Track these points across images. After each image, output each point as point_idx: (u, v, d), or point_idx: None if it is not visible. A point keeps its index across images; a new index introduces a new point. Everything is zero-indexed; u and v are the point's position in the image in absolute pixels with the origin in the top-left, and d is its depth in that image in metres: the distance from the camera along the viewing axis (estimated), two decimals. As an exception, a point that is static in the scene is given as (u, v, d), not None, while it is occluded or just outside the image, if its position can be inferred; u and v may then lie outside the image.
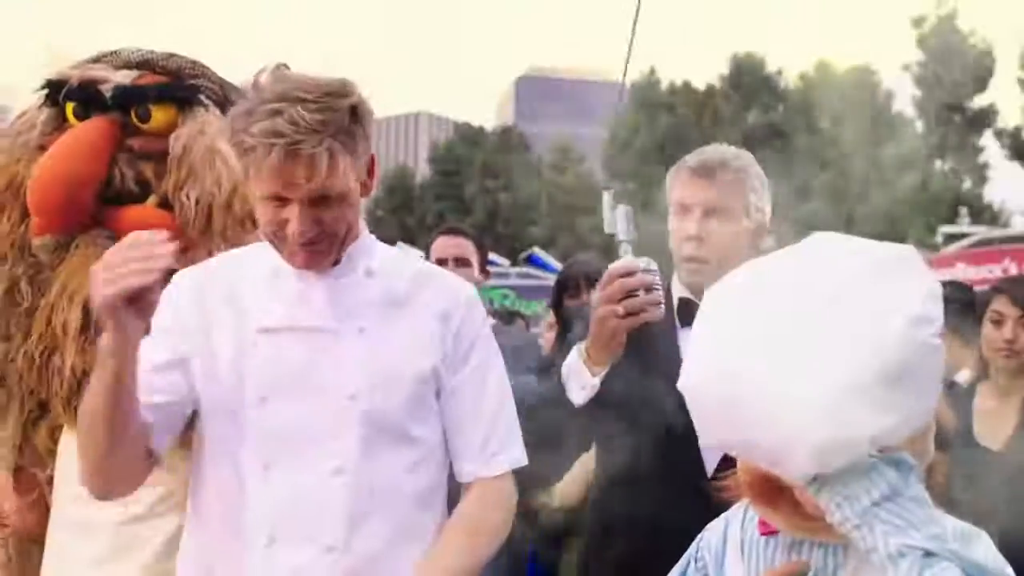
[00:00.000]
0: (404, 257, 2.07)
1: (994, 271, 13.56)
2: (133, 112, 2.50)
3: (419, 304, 1.96)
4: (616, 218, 2.21)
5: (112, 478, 1.85)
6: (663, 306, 2.16)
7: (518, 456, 2.02)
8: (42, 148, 2.49)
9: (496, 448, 1.99)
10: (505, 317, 7.16)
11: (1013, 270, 12.71)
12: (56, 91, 2.53)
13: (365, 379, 1.87)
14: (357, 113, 1.82)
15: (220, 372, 1.88)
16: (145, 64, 2.56)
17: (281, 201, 1.80)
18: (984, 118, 32.05)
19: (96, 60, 2.59)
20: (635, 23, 2.28)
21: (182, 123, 2.50)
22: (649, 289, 2.11)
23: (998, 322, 3.24)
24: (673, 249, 2.40)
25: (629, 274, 2.12)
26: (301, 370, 1.86)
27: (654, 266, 2.18)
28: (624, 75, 2.34)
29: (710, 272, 2.32)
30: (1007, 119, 31.90)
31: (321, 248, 1.86)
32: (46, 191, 2.41)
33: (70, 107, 2.52)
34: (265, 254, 1.97)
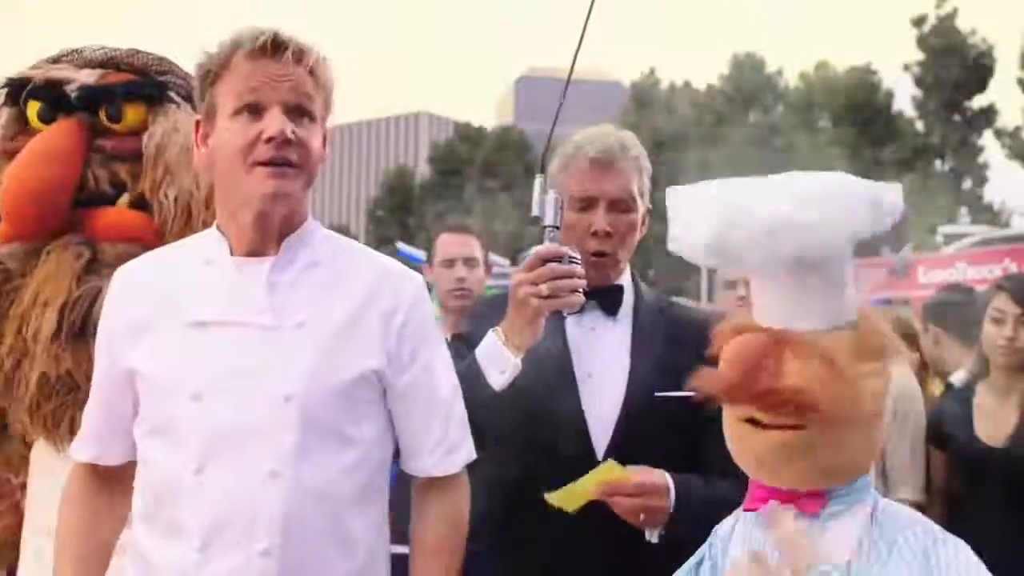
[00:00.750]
0: (347, 245, 1.99)
1: (994, 271, 13.56)
2: (103, 112, 2.45)
3: (363, 301, 1.88)
4: (544, 204, 2.15)
5: None
6: (583, 297, 2.12)
7: (471, 449, 1.99)
8: (4, 152, 2.43)
9: (453, 444, 1.95)
10: None
11: (1013, 270, 12.71)
12: (17, 91, 2.46)
13: (303, 379, 1.79)
14: (318, 73, 1.85)
15: (156, 368, 1.84)
16: (109, 62, 2.50)
17: (255, 114, 1.79)
18: (984, 118, 32.04)
19: (56, 60, 2.52)
20: (586, 21, 2.24)
21: (152, 121, 2.45)
22: (573, 277, 2.09)
23: (998, 320, 3.24)
24: (571, 242, 2.27)
25: (556, 259, 2.10)
26: (237, 367, 1.79)
27: (577, 254, 2.15)
28: (570, 73, 2.28)
29: (611, 264, 2.32)
30: (1007, 119, 31.96)
31: (289, 173, 1.80)
32: (20, 200, 2.35)
33: (34, 108, 2.46)
34: (200, 245, 1.93)
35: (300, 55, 1.80)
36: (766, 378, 1.49)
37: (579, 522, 2.15)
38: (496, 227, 40.53)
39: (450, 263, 3.60)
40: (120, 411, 1.91)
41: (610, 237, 2.29)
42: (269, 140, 1.77)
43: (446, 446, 1.94)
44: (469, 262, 3.62)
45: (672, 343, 2.26)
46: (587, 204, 2.30)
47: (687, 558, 1.78)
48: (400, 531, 2.01)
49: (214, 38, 1.83)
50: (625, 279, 2.39)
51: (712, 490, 2.14)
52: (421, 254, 10.35)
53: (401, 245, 14.12)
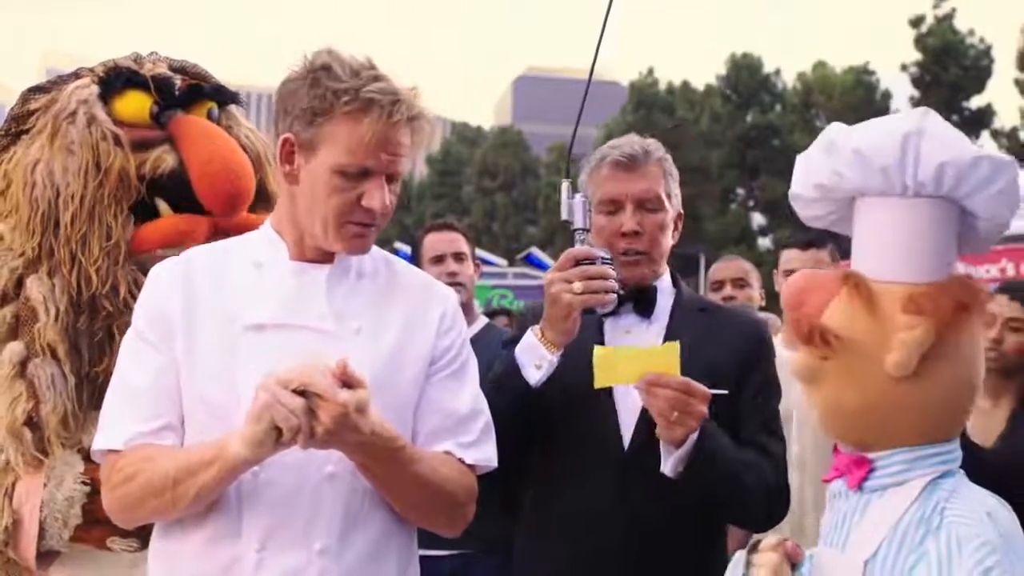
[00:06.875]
0: (390, 259, 2.05)
1: (991, 271, 13.54)
2: (219, 110, 2.57)
3: (409, 310, 1.94)
4: (573, 207, 2.22)
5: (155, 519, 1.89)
6: (616, 297, 2.18)
7: (490, 455, 1.98)
8: (116, 138, 2.37)
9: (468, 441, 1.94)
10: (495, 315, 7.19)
11: (1010, 270, 12.70)
12: (112, 81, 2.44)
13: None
14: (418, 139, 1.89)
15: (208, 370, 1.83)
16: (181, 69, 2.57)
17: (357, 178, 1.80)
18: (982, 119, 32.03)
19: (134, 61, 2.54)
20: (604, 24, 2.30)
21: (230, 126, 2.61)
22: (606, 277, 2.15)
23: (987, 323, 3.28)
24: (602, 245, 2.34)
25: (589, 260, 2.16)
26: None
27: (609, 256, 2.21)
28: (590, 75, 2.35)
29: (646, 263, 2.37)
30: (1004, 120, 31.93)
31: (372, 234, 1.88)
32: (247, 176, 2.44)
33: (137, 100, 2.45)
34: (246, 247, 1.95)
35: (418, 126, 1.83)
36: (804, 309, 1.48)
37: (608, 514, 2.23)
38: (495, 227, 40.51)
39: (439, 259, 3.58)
40: (175, 400, 1.85)
41: (639, 236, 2.35)
42: (368, 210, 1.82)
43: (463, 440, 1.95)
44: (458, 256, 3.61)
45: (707, 342, 2.30)
46: (614, 206, 2.36)
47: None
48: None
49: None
50: (661, 281, 2.44)
51: (738, 449, 2.21)
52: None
53: (399, 245, 14.11)
